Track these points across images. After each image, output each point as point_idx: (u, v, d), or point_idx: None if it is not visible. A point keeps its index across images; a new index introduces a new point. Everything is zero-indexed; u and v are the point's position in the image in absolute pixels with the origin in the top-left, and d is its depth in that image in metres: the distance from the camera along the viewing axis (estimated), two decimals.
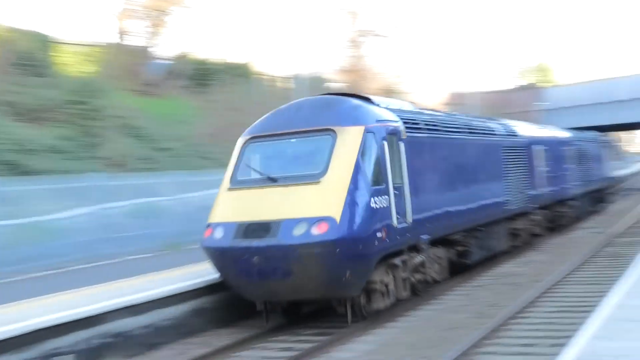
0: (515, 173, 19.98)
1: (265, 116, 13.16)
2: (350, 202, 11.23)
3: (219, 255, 11.76)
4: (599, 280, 16.03)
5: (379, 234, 11.69)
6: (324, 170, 11.51)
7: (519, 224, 20.52)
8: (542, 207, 22.91)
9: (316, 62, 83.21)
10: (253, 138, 12.71)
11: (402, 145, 12.95)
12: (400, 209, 12.48)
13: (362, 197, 11.45)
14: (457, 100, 65.12)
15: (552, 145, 25.45)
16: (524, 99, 61.80)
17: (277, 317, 12.74)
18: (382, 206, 11.88)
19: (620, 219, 29.88)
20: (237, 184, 12.26)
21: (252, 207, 11.72)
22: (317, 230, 10.97)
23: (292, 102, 13.58)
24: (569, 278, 16.59)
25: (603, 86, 56.76)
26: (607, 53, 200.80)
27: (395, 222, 12.22)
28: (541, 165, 23.24)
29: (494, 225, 18.08)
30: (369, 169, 11.78)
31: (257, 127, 12.89)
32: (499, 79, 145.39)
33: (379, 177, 11.97)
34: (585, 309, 12.90)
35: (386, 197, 12.04)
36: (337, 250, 10.95)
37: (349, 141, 11.75)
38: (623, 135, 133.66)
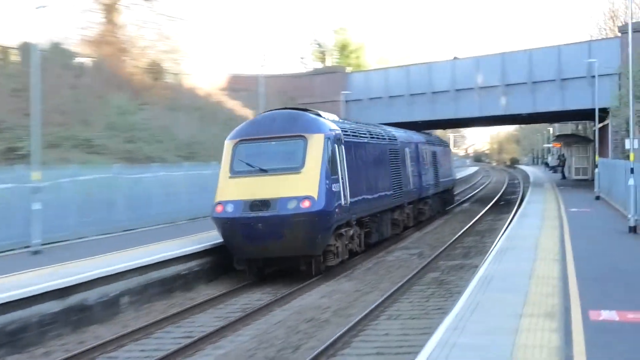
0: (396, 171, 30.75)
1: (245, 124, 23.51)
2: (322, 186, 21.05)
3: (231, 224, 21.12)
4: (420, 314, 17.06)
5: (336, 210, 21.77)
6: (302, 164, 21.35)
7: (397, 216, 31.05)
8: (410, 203, 33.49)
9: (56, 29, 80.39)
10: (241, 140, 22.44)
11: (342, 148, 23.33)
12: (344, 193, 22.72)
13: (328, 183, 21.35)
14: (239, 84, 66.02)
15: (415, 148, 35.96)
16: (325, 86, 63.81)
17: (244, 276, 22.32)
18: (337, 190, 22.05)
19: (441, 236, 32.00)
20: (235, 173, 21.93)
21: (251, 189, 21.25)
22: (303, 205, 20.68)
23: (265, 113, 24.03)
24: (383, 311, 17.50)
25: (418, 73, 59.52)
26: (424, 34, 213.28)
27: (343, 202, 22.44)
28: (409, 166, 33.76)
29: (383, 214, 28.55)
30: (329, 164, 21.73)
31: (243, 132, 22.79)
32: (295, 61, 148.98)
33: (334, 169, 22.08)
34: (406, 350, 13.67)
35: (338, 184, 22.23)
36: (316, 219, 20.74)
37: (316, 144, 21.66)
38: (451, 134, 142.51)
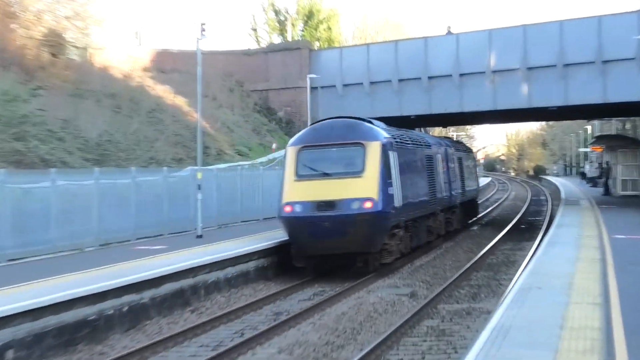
0: (431, 178, 40.09)
1: (306, 132, 33.23)
2: (381, 189, 30.34)
3: (300, 223, 30.33)
4: None
5: (392, 211, 31.24)
6: (363, 169, 30.65)
7: (431, 222, 39.93)
8: (441, 211, 42.43)
9: None
10: (304, 147, 31.65)
11: (394, 154, 32.60)
12: (397, 196, 31.83)
13: (385, 186, 30.75)
14: (170, 63, 65.87)
15: (444, 154, 45.35)
16: (285, 68, 63.83)
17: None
18: (392, 193, 31.24)
19: (440, 271, 32.22)
20: (300, 177, 31.11)
21: (316, 192, 30.41)
22: (365, 206, 29.88)
23: (323, 122, 33.74)
24: None
25: (410, 50, 59.54)
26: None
27: (396, 204, 31.66)
28: (441, 173, 42.90)
29: (421, 219, 37.63)
30: (385, 168, 31.04)
31: (305, 139, 32.16)
32: (246, 33, 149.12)
33: (389, 174, 31.33)
34: None
35: (392, 187, 31.36)
36: (376, 218, 30.15)
37: (373, 151, 30.94)
38: (454, 133, 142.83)
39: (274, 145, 59.76)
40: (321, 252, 30.99)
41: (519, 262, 33.57)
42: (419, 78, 58.09)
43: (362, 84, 60.37)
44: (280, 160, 55.43)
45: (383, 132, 32.99)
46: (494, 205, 78.93)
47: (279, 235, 32.96)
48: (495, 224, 56.26)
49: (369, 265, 31.33)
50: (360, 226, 29.91)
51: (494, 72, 55.45)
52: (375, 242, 30.86)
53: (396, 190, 32.01)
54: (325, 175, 30.99)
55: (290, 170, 31.50)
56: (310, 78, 59.49)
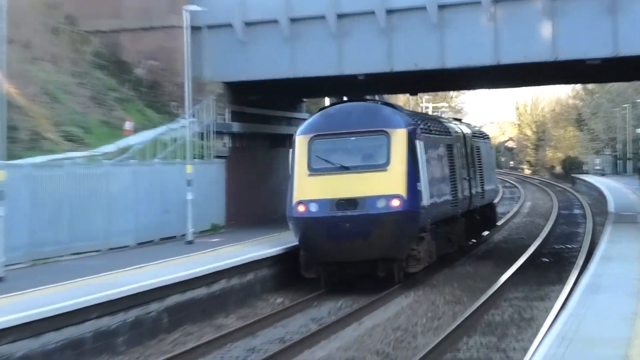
0: (452, 172, 52.33)
1: (317, 117, 48.18)
2: (408, 185, 44.66)
3: (315, 224, 44.12)
4: None
5: (421, 211, 46.49)
6: (388, 161, 44.85)
7: (450, 229, 52.15)
8: (462, 215, 54.83)
9: None
10: (317, 136, 45.54)
11: (421, 143, 47.32)
12: (424, 193, 47.24)
13: (414, 182, 45.49)
14: None
15: (463, 142, 57.34)
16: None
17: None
18: (420, 190, 46.36)
19: (408, 335, 32.10)
20: (314, 171, 44.98)
21: (334, 188, 44.27)
22: (392, 204, 43.92)
23: (336, 106, 50.76)
24: None
25: None
26: None
27: (424, 203, 46.84)
28: (461, 167, 54.62)
29: (442, 224, 50.00)
30: (413, 160, 45.83)
31: (317, 127, 46.41)
32: None
33: (416, 167, 46.32)
34: None
35: (420, 183, 46.40)
36: (405, 218, 44.49)
37: (399, 140, 45.16)
38: (429, 104, 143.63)
39: (127, 124, 59.07)
40: (338, 259, 42.06)
41: (538, 319, 33.72)
42: (372, 12, 57.60)
43: (277, 21, 59.67)
44: (140, 149, 55.00)
45: (407, 118, 44.53)
46: (498, 224, 78.86)
47: (135, 277, 32.39)
48: (500, 255, 57.13)
49: (395, 274, 42.12)
50: (386, 227, 41.21)
51: (496, 0, 54.93)
52: (402, 246, 42.23)
53: (424, 186, 43.49)
54: (344, 168, 42.36)
55: (301, 163, 42.76)
56: (190, 12, 58.11)
